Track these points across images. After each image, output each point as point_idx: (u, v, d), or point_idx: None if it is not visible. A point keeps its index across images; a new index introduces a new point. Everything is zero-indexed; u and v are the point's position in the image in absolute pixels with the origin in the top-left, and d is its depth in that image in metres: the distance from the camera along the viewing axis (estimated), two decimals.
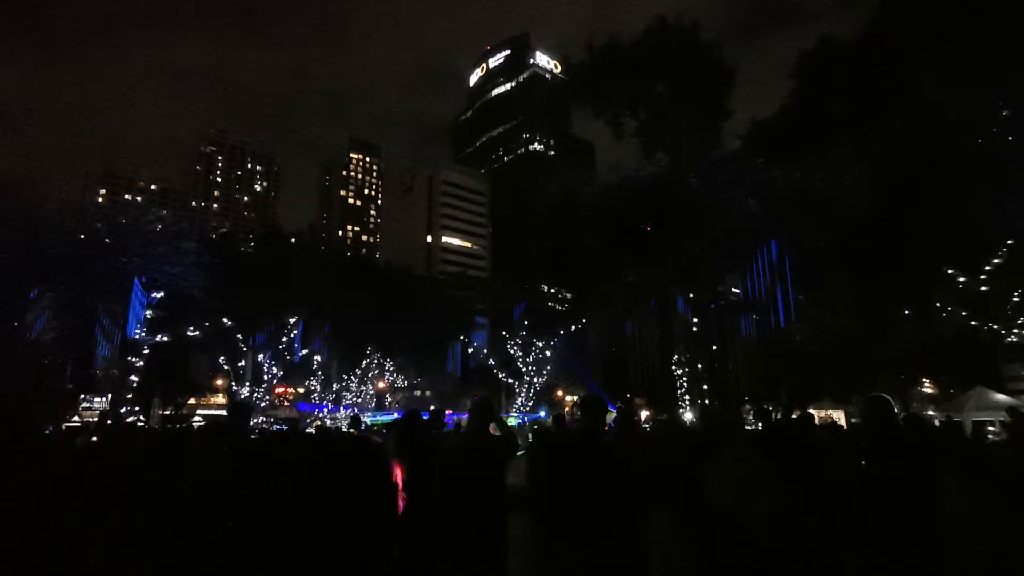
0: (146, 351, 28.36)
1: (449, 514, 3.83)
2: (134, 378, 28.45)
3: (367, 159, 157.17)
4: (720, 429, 4.41)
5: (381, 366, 45.03)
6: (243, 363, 34.83)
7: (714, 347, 32.96)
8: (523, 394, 42.06)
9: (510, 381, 43.03)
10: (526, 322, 42.14)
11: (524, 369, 42.29)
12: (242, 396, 33.56)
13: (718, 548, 3.71)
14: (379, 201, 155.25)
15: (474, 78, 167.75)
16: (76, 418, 29.17)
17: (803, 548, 3.51)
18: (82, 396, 32.30)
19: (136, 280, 26.25)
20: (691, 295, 31.32)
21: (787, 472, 3.83)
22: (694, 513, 3.94)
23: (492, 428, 4.39)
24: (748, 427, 5.98)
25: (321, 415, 36.56)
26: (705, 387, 31.65)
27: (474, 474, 3.87)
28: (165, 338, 30.09)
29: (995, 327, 23.81)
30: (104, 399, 31.56)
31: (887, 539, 4.03)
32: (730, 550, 3.57)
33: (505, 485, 3.96)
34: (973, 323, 24.29)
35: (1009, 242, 22.19)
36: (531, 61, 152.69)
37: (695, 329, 31.71)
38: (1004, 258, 22.76)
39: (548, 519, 4.11)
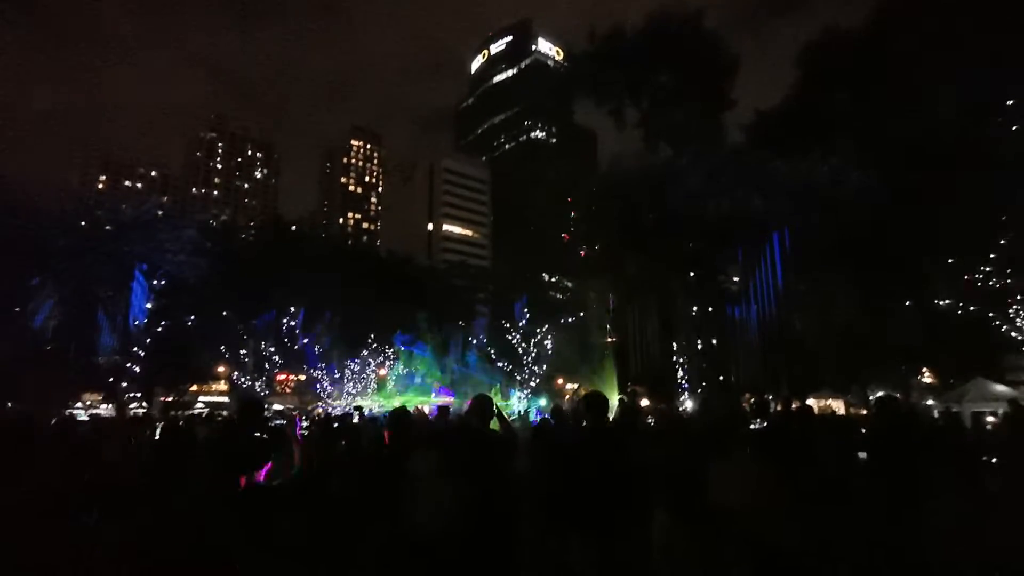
0: (148, 337, 28.41)
1: (455, 509, 3.85)
2: (135, 365, 28.52)
3: (368, 146, 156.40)
4: (724, 426, 4.43)
5: (382, 353, 45.08)
6: (244, 351, 34.91)
7: (714, 338, 33.02)
8: (523, 383, 42.21)
9: (511, 370, 43.16)
10: (527, 311, 42.22)
11: (525, 359, 42.43)
12: (245, 385, 33.64)
13: (721, 546, 3.74)
14: (380, 189, 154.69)
15: (475, 64, 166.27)
16: (79, 406, 29.29)
17: (805, 547, 3.55)
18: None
19: (137, 267, 26.26)
20: (692, 285, 31.32)
21: (789, 470, 3.86)
22: (697, 511, 3.97)
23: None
24: (752, 424, 6.00)
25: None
26: (705, 378, 31.74)
27: (478, 470, 3.89)
28: (167, 325, 30.13)
29: (994, 317, 23.85)
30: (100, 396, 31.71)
31: (888, 534, 4.07)
32: (733, 549, 3.61)
33: (508, 481, 3.99)
34: (972, 309, 24.33)
35: (1011, 234, 22.16)
36: (533, 48, 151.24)
37: (695, 319, 31.75)
38: (1005, 249, 22.76)
39: (554, 515, 4.14)
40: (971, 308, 24.67)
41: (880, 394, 4.18)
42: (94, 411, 29.93)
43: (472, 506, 3.71)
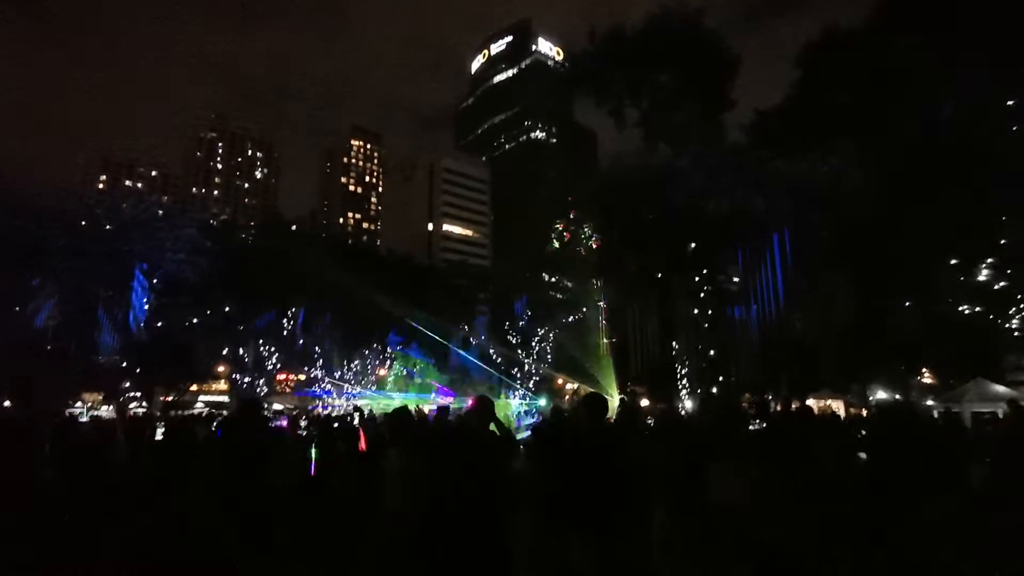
0: (148, 337, 28.40)
1: (454, 511, 3.86)
2: (135, 365, 28.50)
3: (368, 146, 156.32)
4: (724, 427, 4.45)
5: (382, 353, 45.13)
6: (244, 350, 34.92)
7: (714, 338, 33.02)
8: (523, 383, 42.27)
9: (511, 370, 43.20)
10: (527, 311, 42.30)
11: (524, 358, 42.47)
12: (245, 385, 33.66)
13: (720, 546, 3.76)
14: (380, 188, 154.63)
15: (476, 64, 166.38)
16: (79, 406, 29.30)
17: (805, 547, 3.56)
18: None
19: (137, 267, 26.28)
20: (691, 285, 31.35)
21: (788, 470, 3.87)
22: (697, 511, 3.98)
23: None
24: (751, 425, 6.03)
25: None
26: (705, 378, 31.76)
27: (477, 472, 3.90)
28: (167, 325, 30.13)
29: (995, 318, 23.87)
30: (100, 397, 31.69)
31: (888, 534, 4.09)
32: (732, 549, 3.62)
33: (508, 483, 4.00)
34: (972, 309, 24.33)
35: (1011, 235, 22.16)
36: (533, 48, 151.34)
37: (695, 319, 31.77)
38: (1005, 249, 22.78)
39: (554, 515, 4.15)
40: (971, 308, 24.67)
41: (881, 395, 4.21)
42: (94, 412, 29.94)
43: (443, 503, 3.73)
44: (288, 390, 45.03)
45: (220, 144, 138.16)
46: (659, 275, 31.34)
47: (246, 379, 34.83)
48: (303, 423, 13.55)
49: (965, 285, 24.51)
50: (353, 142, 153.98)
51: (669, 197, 27.68)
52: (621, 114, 32.88)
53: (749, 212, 26.83)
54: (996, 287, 23.69)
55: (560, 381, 49.45)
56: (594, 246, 36.16)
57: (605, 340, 37.78)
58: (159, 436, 7.84)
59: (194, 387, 41.00)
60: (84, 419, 17.77)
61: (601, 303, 36.72)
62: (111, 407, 28.73)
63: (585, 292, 38.51)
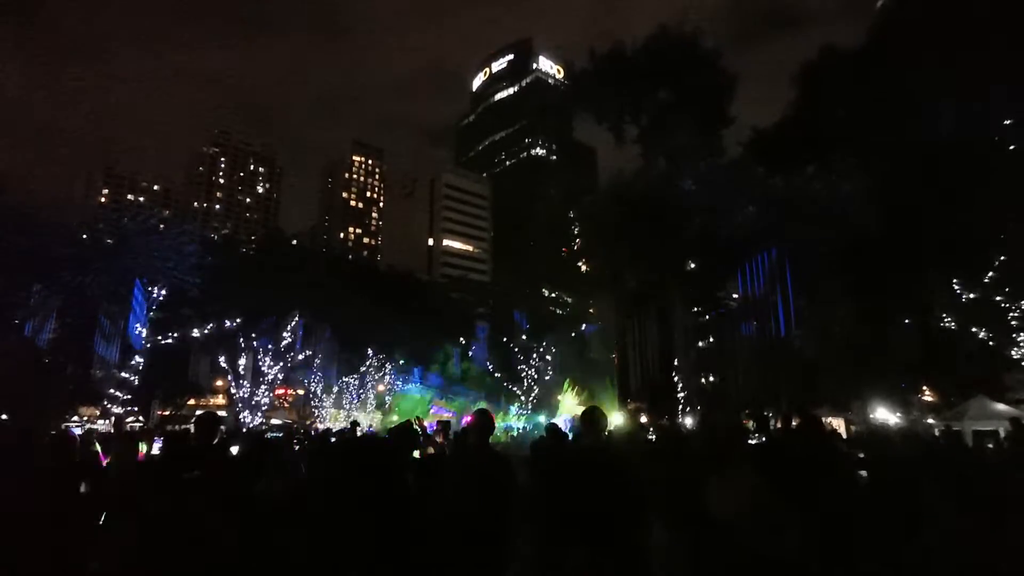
0: (147, 351, 28.31)
1: (455, 525, 3.83)
2: (133, 378, 28.35)
3: (369, 161, 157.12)
4: (724, 443, 4.42)
5: (382, 368, 44.97)
6: (243, 364, 34.75)
7: (714, 354, 32.92)
8: (523, 398, 42.09)
9: (511, 386, 43.04)
10: (527, 326, 42.28)
11: (524, 373, 42.33)
12: (242, 399, 33.53)
13: (719, 561, 3.72)
14: (381, 204, 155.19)
15: (477, 82, 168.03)
16: (76, 420, 29.10)
17: (804, 562, 3.53)
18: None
19: (137, 281, 26.27)
20: (691, 301, 31.31)
21: (787, 488, 3.84)
22: (696, 525, 3.94)
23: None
24: (751, 440, 6.00)
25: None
26: (705, 393, 31.61)
27: (479, 489, 3.87)
28: (166, 339, 30.07)
29: (994, 336, 23.80)
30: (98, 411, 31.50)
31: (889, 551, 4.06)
32: (731, 563, 3.59)
33: (509, 499, 3.96)
34: (973, 330, 24.28)
35: (1009, 252, 22.20)
36: (534, 66, 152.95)
37: (695, 336, 31.71)
38: (1004, 267, 22.79)
39: (551, 529, 4.12)
40: (971, 326, 24.62)
41: (881, 413, 4.20)
42: (91, 426, 29.70)
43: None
44: (287, 405, 44.76)
45: (222, 159, 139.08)
46: (659, 291, 31.32)
47: (244, 393, 34.58)
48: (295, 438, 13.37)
49: (964, 303, 24.49)
50: (354, 157, 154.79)
51: (668, 213, 27.78)
52: (621, 130, 33.16)
53: (748, 228, 26.91)
54: (994, 305, 23.65)
55: (559, 397, 49.25)
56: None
57: (606, 356, 37.70)
58: (156, 450, 7.79)
59: (192, 401, 40.78)
60: (79, 432, 17.61)
61: (601, 317, 36.71)
62: (108, 420, 28.53)
63: (584, 308, 38.53)
